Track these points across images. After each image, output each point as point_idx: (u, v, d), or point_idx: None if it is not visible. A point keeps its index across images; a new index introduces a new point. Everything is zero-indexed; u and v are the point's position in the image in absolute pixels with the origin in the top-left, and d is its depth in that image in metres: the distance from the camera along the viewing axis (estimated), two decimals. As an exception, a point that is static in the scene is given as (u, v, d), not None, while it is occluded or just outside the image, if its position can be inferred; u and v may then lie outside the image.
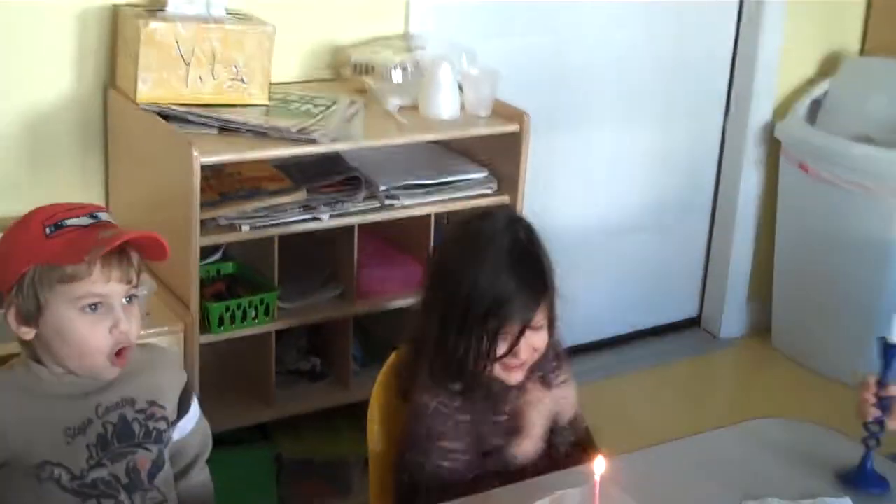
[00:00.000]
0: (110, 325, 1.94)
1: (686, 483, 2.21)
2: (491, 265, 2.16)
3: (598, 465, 2.00)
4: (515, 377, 2.22)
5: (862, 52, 4.45)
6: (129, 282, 1.96)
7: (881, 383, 2.19)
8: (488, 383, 2.22)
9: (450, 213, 3.11)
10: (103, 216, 2.01)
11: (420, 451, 2.21)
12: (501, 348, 2.17)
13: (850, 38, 4.43)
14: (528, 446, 2.25)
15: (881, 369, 2.19)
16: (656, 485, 2.18)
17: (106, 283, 1.93)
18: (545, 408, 2.27)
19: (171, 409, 2.08)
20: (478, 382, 2.21)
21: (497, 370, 2.21)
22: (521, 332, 2.16)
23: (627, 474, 2.15)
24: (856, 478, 2.19)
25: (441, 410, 2.20)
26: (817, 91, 4.29)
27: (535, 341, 2.20)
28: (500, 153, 3.17)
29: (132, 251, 1.97)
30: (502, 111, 3.15)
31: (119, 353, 1.96)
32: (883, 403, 2.19)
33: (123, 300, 1.96)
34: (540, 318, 2.19)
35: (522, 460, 2.24)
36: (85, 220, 1.97)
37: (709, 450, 2.36)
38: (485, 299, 2.14)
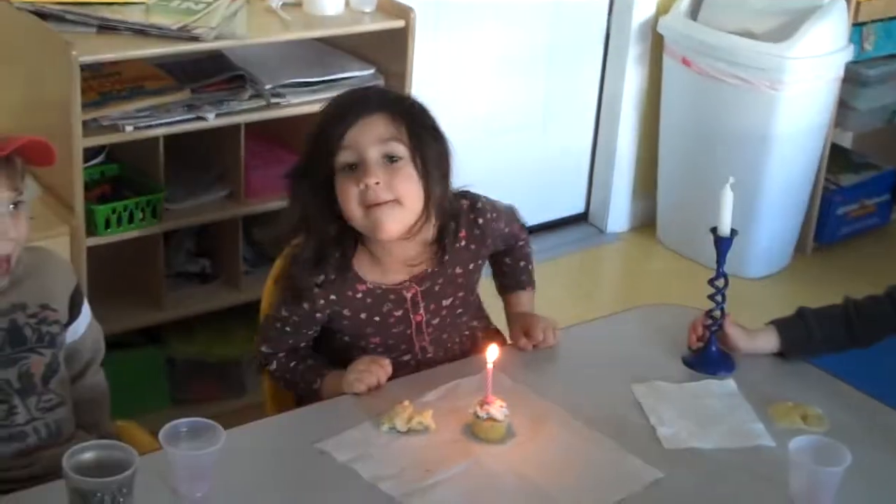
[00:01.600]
0: None
1: (576, 369, 2.26)
2: (349, 92, 2.20)
3: (491, 353, 2.04)
4: (388, 224, 2.05)
5: (742, -54, 4.49)
6: (14, 189, 1.92)
7: (717, 274, 2.28)
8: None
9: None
10: None
11: (275, 294, 2.23)
12: (349, 178, 2.04)
13: (731, -67, 4.46)
14: (338, 389, 2.14)
15: (716, 261, 2.27)
16: (547, 371, 2.24)
17: None
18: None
19: (62, 312, 2.05)
20: (340, 252, 2.12)
21: (359, 215, 2.05)
22: (353, 122, 2.04)
23: (519, 362, 2.20)
24: (701, 361, 2.27)
25: (293, 276, 2.15)
26: (698, -15, 4.32)
27: (393, 174, 2.04)
28: (386, 50, 3.14)
29: (16, 157, 1.93)
30: (388, 7, 3.13)
31: (3, 261, 1.93)
32: (718, 305, 2.27)
33: (10, 206, 1.92)
34: (389, 132, 2.05)
35: (326, 393, 2.18)
36: None
37: (597, 337, 2.42)
38: (320, 123, 2.10)
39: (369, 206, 2.06)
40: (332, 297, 2.16)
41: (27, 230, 1.97)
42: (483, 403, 2.00)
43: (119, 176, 2.98)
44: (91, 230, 2.78)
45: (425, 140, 2.10)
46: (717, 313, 2.27)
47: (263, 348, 2.24)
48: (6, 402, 1.98)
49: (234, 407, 3.09)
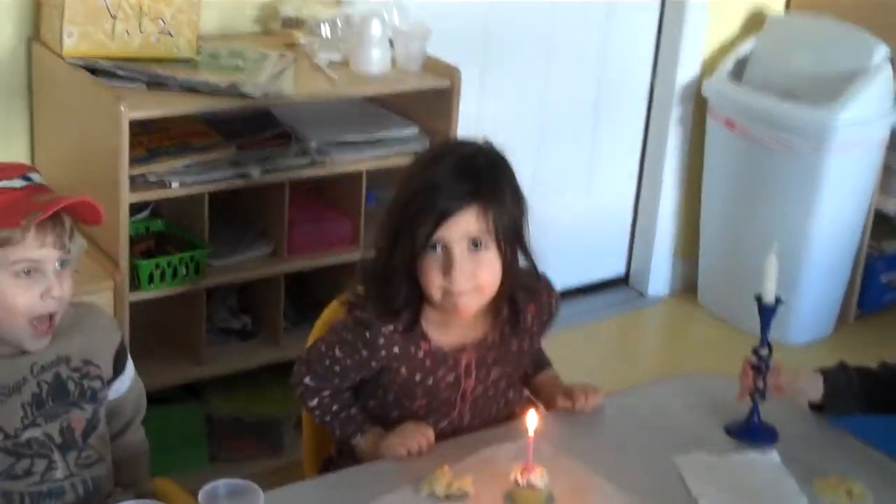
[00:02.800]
0: (42, 291, 1.92)
1: (617, 437, 2.24)
2: (434, 161, 2.11)
3: (531, 419, 2.03)
4: (464, 305, 2.07)
5: (787, 8, 4.49)
6: (62, 247, 1.93)
7: (761, 342, 2.25)
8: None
9: (380, 170, 3.10)
10: (36, 178, 1.98)
11: (328, 330, 2.20)
12: (434, 261, 2.05)
13: (776, -4, 4.48)
14: (373, 452, 2.14)
15: (760, 329, 2.25)
16: (588, 439, 2.21)
17: (40, 249, 1.90)
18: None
19: (105, 369, 2.06)
20: (412, 310, 2.11)
21: (438, 297, 2.07)
22: (438, 224, 2.02)
23: (558, 429, 2.19)
24: (744, 431, 2.24)
25: (358, 327, 2.12)
26: (743, 48, 4.32)
27: (478, 263, 2.06)
28: (431, 109, 3.16)
29: (65, 215, 1.94)
30: (433, 67, 3.14)
31: (45, 319, 1.94)
32: (761, 368, 2.24)
33: (56, 265, 1.93)
34: (479, 228, 2.05)
35: (361, 450, 2.18)
36: (18, 183, 1.94)
37: (638, 405, 2.39)
38: (416, 188, 2.06)
39: (446, 293, 2.07)
40: (396, 350, 2.14)
41: (71, 288, 1.98)
42: (523, 470, 1.98)
43: (163, 231, 3.00)
44: (134, 285, 2.80)
45: (510, 218, 2.10)
46: (761, 382, 2.25)
47: (307, 380, 2.18)
48: (46, 457, 1.98)
49: (272, 466, 3.08)
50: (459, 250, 2.05)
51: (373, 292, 2.14)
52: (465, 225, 2.04)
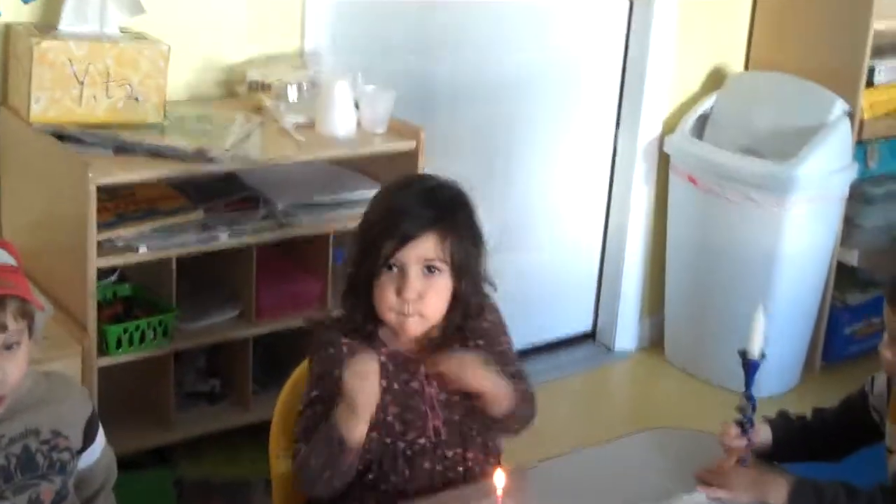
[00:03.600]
0: None
1: (585, 494, 2.24)
2: (397, 193, 2.26)
3: (499, 478, 2.04)
4: (411, 328, 2.19)
5: (746, 66, 4.56)
6: (3, 329, 1.89)
7: (744, 395, 2.26)
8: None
9: (347, 233, 3.12)
10: None
11: (307, 386, 2.23)
12: (389, 281, 2.16)
13: (735, 54, 4.53)
14: (349, 420, 2.09)
15: (744, 382, 2.26)
16: (557, 497, 2.22)
17: None
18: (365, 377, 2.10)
19: (75, 440, 2.05)
20: (371, 322, 2.22)
21: (389, 317, 2.19)
22: (397, 248, 2.14)
23: (527, 487, 2.19)
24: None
25: (321, 352, 2.21)
26: (704, 105, 4.38)
27: (427, 287, 2.17)
28: (397, 170, 3.16)
29: (8, 297, 1.90)
30: (399, 128, 3.18)
31: None
32: (745, 427, 2.26)
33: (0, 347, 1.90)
34: (436, 254, 2.17)
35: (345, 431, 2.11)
36: None
37: (606, 460, 2.40)
38: (375, 218, 2.21)
39: (397, 312, 2.18)
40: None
41: (19, 370, 1.94)
42: (494, 531, 1.99)
43: (131, 295, 3.00)
44: (102, 350, 2.79)
45: (466, 250, 2.22)
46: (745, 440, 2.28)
47: (300, 446, 2.18)
48: None
49: (241, 529, 3.07)
50: (414, 272, 2.17)
51: (344, 307, 2.25)
52: (422, 249, 2.17)
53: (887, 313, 2.19)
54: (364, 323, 2.23)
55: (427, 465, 2.23)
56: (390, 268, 2.17)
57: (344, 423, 2.09)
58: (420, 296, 2.17)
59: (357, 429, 2.09)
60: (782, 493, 2.17)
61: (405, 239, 2.16)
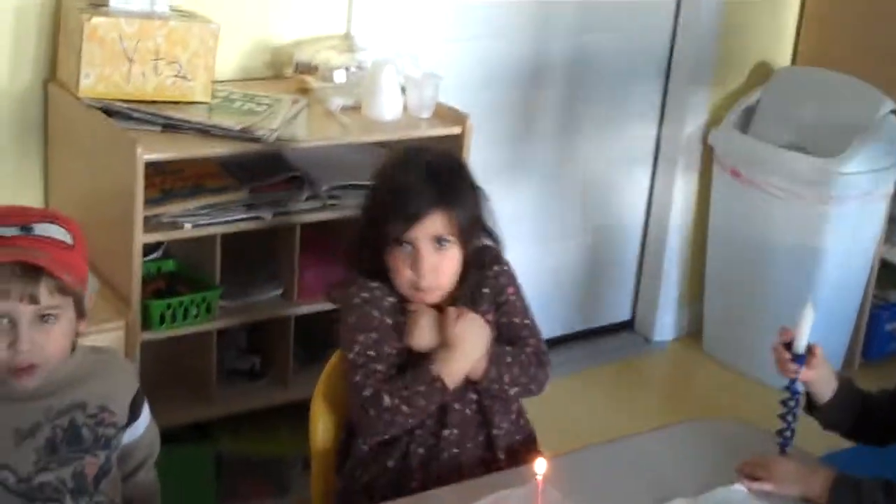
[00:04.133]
0: (7, 343, 1.90)
1: (623, 482, 2.25)
2: (404, 163, 2.34)
3: (539, 465, 2.04)
4: (428, 298, 2.28)
5: (793, 61, 4.54)
6: (33, 301, 1.90)
7: (789, 390, 2.27)
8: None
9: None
10: (39, 230, 1.95)
11: (346, 344, 2.28)
12: (403, 258, 2.25)
13: (782, 49, 4.52)
14: (459, 365, 2.25)
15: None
16: (595, 484, 2.23)
17: (5, 301, 1.89)
18: (479, 328, 2.28)
19: (121, 415, 2.07)
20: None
21: (405, 290, 2.28)
22: (408, 227, 2.23)
23: (566, 474, 2.20)
24: None
25: (362, 299, 2.28)
26: (750, 99, 4.36)
27: (440, 260, 2.27)
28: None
29: (51, 270, 1.90)
30: (445, 114, 3.18)
31: (24, 369, 1.93)
32: (787, 417, 2.27)
33: (29, 318, 1.91)
34: (444, 228, 2.26)
35: (449, 380, 2.24)
36: (10, 231, 1.92)
37: (645, 450, 2.40)
38: (387, 188, 2.31)
39: (416, 284, 2.27)
40: (390, 298, 2.29)
41: (60, 344, 1.95)
42: (532, 516, 2.00)
43: (175, 272, 3.03)
44: (146, 325, 2.82)
45: (470, 217, 2.32)
46: (788, 433, 2.29)
47: (365, 393, 2.22)
48: (58, 501, 1.99)
49: (279, 506, 3.09)
50: (426, 248, 2.26)
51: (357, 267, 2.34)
52: (431, 227, 2.26)
53: None
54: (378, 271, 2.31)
55: (458, 406, 2.31)
56: (402, 245, 2.26)
57: (444, 364, 2.22)
58: (434, 269, 2.26)
59: (459, 369, 2.25)
60: (824, 487, 2.17)
61: (413, 218, 2.24)
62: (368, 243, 2.30)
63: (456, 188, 2.31)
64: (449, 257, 2.29)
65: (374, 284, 2.30)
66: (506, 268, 2.42)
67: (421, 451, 2.30)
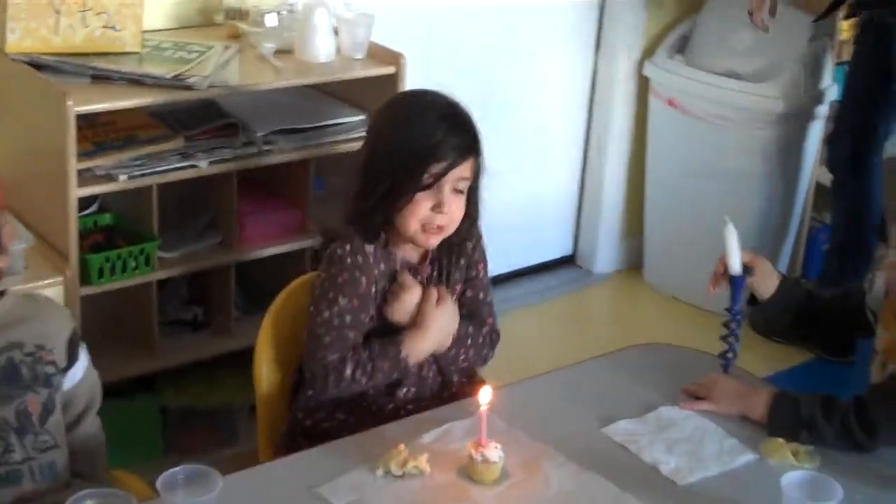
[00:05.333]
0: None
1: (567, 410, 2.28)
2: (424, 112, 2.31)
3: (484, 395, 2.07)
4: (433, 241, 2.30)
5: (725, -11, 4.55)
6: None
7: (730, 312, 2.31)
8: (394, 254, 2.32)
9: (327, 159, 3.13)
10: None
11: (324, 300, 2.27)
12: (425, 197, 2.24)
13: (713, -24, 4.52)
14: (425, 347, 2.31)
15: (730, 297, 2.32)
16: (540, 414, 2.25)
17: None
18: (452, 314, 2.34)
19: (59, 355, 2.06)
20: (385, 229, 2.30)
21: (415, 229, 2.27)
22: (443, 174, 2.23)
23: (510, 404, 2.22)
24: None
25: (353, 263, 2.26)
26: (683, 28, 4.37)
27: (457, 204, 2.29)
28: (377, 96, 3.14)
29: None
30: (379, 54, 3.16)
31: None
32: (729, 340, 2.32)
33: None
34: (465, 175, 2.28)
35: (413, 361, 2.30)
36: None
37: (588, 377, 2.44)
38: (415, 137, 2.26)
39: (425, 225, 2.27)
40: (382, 266, 2.30)
41: None
42: (477, 445, 2.02)
43: (112, 225, 3.00)
44: (85, 279, 2.80)
45: (480, 171, 2.34)
46: (730, 355, 2.34)
47: (330, 357, 2.24)
48: (3, 440, 1.99)
49: (227, 454, 3.09)
50: (448, 191, 2.27)
51: (358, 224, 2.29)
52: (460, 173, 2.27)
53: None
54: (380, 231, 2.30)
55: (414, 369, 2.35)
56: (430, 188, 2.25)
57: (412, 343, 2.28)
58: (452, 211, 2.28)
59: (425, 351, 2.31)
60: (764, 405, 2.21)
61: (452, 165, 2.25)
62: (389, 194, 2.26)
63: (479, 137, 2.34)
64: (461, 204, 2.31)
65: (370, 249, 2.29)
66: (481, 241, 2.45)
67: (374, 408, 2.33)
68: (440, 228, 2.28)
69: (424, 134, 2.26)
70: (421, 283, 2.34)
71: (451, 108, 2.32)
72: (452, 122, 2.29)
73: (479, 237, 2.44)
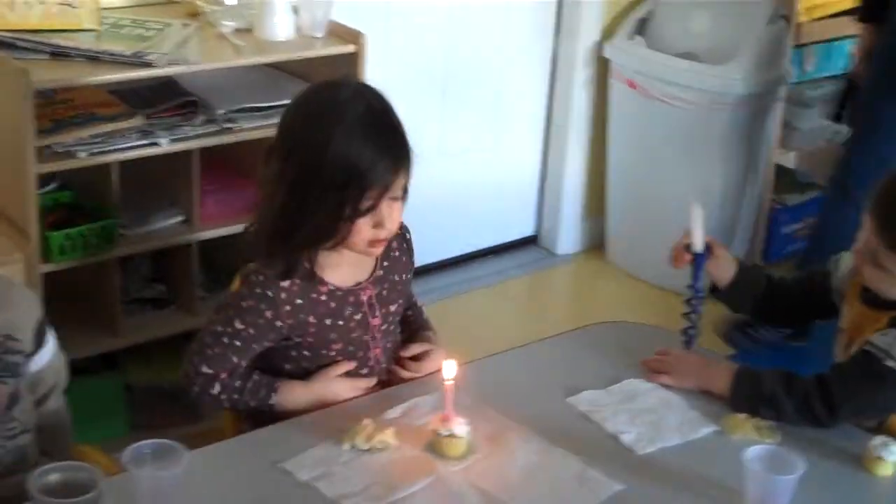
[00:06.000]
0: None
1: (532, 384, 2.29)
2: (347, 131, 2.09)
3: (449, 369, 2.07)
4: (379, 250, 2.21)
5: (684, -30, 4.57)
6: None
7: (692, 289, 2.32)
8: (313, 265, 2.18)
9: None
10: None
11: (224, 314, 2.19)
12: (365, 220, 2.12)
13: (673, -42, 4.54)
14: (299, 401, 2.21)
15: (691, 275, 2.33)
16: (506, 388, 2.26)
17: None
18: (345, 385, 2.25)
19: (27, 343, 2.03)
20: (307, 259, 2.17)
21: (361, 248, 2.17)
22: (380, 197, 2.10)
23: (475, 378, 2.23)
24: None
25: (263, 295, 2.15)
26: (642, 10, 4.39)
27: (398, 213, 2.18)
28: (337, 75, 3.15)
29: None
30: (339, 32, 3.16)
31: None
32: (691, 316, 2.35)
33: None
34: (402, 185, 2.16)
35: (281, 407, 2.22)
36: None
37: (551, 354, 2.45)
38: (344, 166, 2.07)
39: (370, 241, 2.17)
40: (299, 301, 2.17)
41: None
42: (444, 420, 2.03)
43: (73, 203, 2.98)
44: (46, 257, 2.78)
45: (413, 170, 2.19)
46: (692, 331, 2.35)
47: (204, 369, 2.18)
48: None
49: (192, 432, 3.03)
50: (387, 206, 2.14)
51: (272, 249, 2.15)
52: (397, 188, 2.15)
53: (869, 226, 2.20)
54: (303, 261, 2.17)
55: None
56: (363, 214, 2.12)
57: (284, 404, 2.19)
58: (395, 222, 2.19)
59: (296, 402, 2.20)
60: (725, 380, 2.23)
61: (385, 190, 2.11)
62: (316, 230, 2.12)
63: (407, 145, 2.17)
64: (399, 210, 2.19)
65: (285, 285, 2.16)
66: (409, 235, 2.38)
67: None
68: (384, 239, 2.19)
69: (351, 159, 2.07)
70: (361, 308, 2.24)
71: (374, 119, 2.13)
72: (380, 138, 2.11)
73: (408, 231, 2.37)
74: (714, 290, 2.42)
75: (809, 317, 2.55)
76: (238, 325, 2.17)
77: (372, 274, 2.26)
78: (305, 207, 2.10)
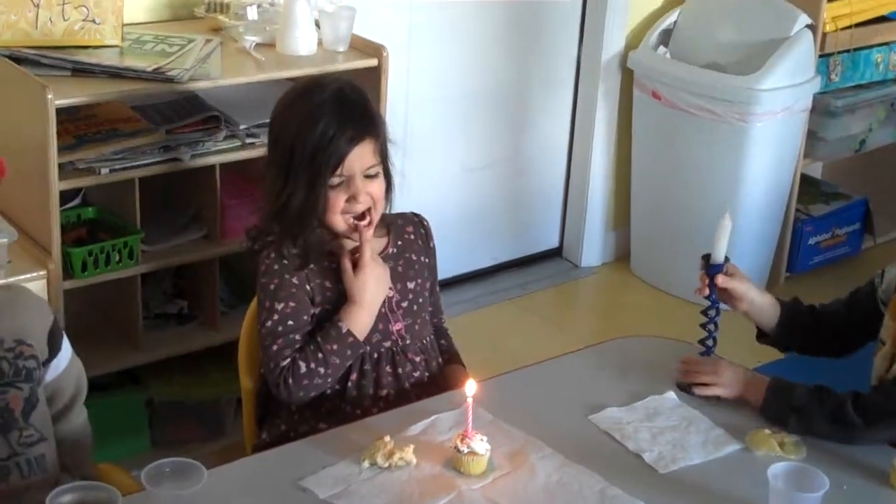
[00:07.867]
0: None
1: (552, 401, 2.28)
2: (315, 110, 2.26)
3: (470, 387, 2.06)
4: (365, 233, 2.29)
5: (708, -19, 4.54)
6: None
7: (709, 300, 2.31)
8: (323, 241, 2.31)
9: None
10: None
11: (263, 310, 2.28)
12: (338, 192, 2.25)
13: (697, -32, 4.52)
14: (363, 318, 2.28)
15: (708, 286, 2.31)
16: (527, 405, 2.25)
17: None
18: (377, 276, 2.31)
19: (40, 348, 2.04)
20: (315, 239, 2.30)
21: (342, 227, 2.29)
22: (349, 170, 2.24)
23: (495, 396, 2.22)
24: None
25: (282, 266, 2.27)
26: (668, 20, 4.37)
27: (371, 188, 2.28)
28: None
29: None
30: (361, 46, 3.15)
31: None
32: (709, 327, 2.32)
33: None
34: (369, 161, 2.28)
35: (358, 334, 2.28)
36: None
37: (574, 369, 2.43)
38: (311, 140, 2.24)
39: (347, 218, 2.29)
40: (313, 266, 2.29)
41: None
42: (464, 437, 2.02)
43: (95, 219, 2.99)
44: (68, 273, 2.78)
45: (385, 143, 2.34)
46: (710, 342, 2.33)
47: (283, 362, 2.23)
48: None
49: (213, 448, 3.09)
50: (359, 180, 2.27)
51: (270, 229, 2.33)
52: (360, 159, 2.27)
53: None
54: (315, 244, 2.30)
55: (389, 368, 2.33)
56: (335, 185, 2.26)
57: (349, 318, 2.26)
58: (369, 195, 2.28)
59: (364, 322, 2.28)
60: (761, 390, 2.22)
61: (344, 156, 2.24)
62: (296, 191, 2.26)
63: (373, 117, 2.32)
64: (378, 183, 2.30)
65: (295, 251, 2.28)
66: (426, 223, 2.49)
67: (358, 412, 2.30)
68: (364, 216, 2.28)
69: (316, 133, 2.24)
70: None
71: (341, 98, 2.29)
72: (342, 112, 2.26)
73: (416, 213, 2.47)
74: (761, 336, 2.40)
75: (860, 338, 2.40)
76: (278, 307, 2.26)
77: (384, 250, 2.37)
78: (287, 185, 2.26)
